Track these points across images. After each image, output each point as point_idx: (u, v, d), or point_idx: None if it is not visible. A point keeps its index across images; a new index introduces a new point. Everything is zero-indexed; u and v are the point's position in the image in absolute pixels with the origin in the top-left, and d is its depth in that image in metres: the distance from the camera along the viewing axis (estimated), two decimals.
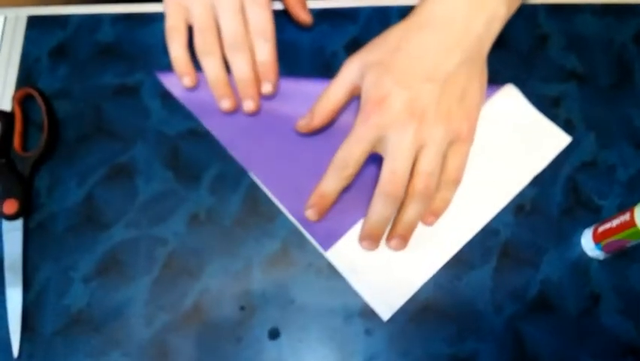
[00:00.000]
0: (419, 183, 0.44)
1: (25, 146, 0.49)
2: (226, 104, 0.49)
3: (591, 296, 0.46)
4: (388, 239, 0.46)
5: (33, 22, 0.54)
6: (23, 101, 0.50)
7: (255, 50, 0.49)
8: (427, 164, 0.43)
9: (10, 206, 0.46)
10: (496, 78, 0.51)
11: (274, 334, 0.44)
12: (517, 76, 0.52)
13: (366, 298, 0.45)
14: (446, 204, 0.47)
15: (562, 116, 0.51)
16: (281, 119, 0.50)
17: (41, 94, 0.49)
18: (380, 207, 0.44)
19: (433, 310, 0.45)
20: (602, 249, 0.45)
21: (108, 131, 0.50)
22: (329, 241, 0.46)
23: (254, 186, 0.48)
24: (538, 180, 0.49)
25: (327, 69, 0.53)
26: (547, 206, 0.48)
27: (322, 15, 0.55)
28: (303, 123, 0.48)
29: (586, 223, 0.47)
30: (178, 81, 0.51)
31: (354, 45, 0.53)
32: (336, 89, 0.47)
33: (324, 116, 0.47)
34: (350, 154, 0.44)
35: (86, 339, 0.44)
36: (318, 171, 0.46)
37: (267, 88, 0.49)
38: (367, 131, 0.43)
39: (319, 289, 0.46)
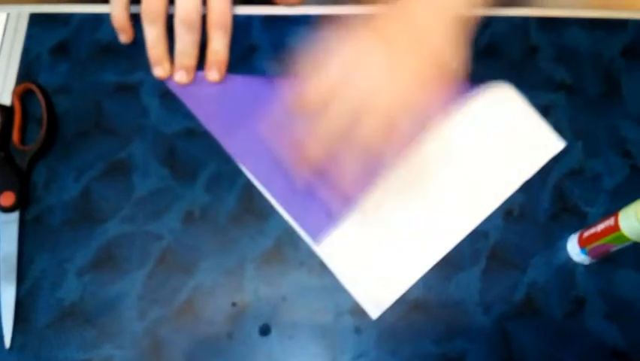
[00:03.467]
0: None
1: (23, 140, 0.50)
2: (159, 71, 0.52)
3: (576, 300, 0.47)
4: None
5: (35, 19, 0.55)
6: (23, 96, 0.51)
7: (211, 38, 0.51)
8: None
9: (7, 198, 0.46)
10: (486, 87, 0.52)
11: (265, 330, 0.45)
12: (507, 85, 0.54)
13: (356, 295, 0.46)
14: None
15: (551, 125, 0.52)
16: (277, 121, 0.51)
17: (41, 89, 0.50)
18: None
19: (422, 310, 0.46)
20: (587, 253, 0.46)
21: (106, 128, 0.51)
22: (319, 234, 0.47)
23: (249, 186, 0.49)
24: (527, 186, 0.50)
25: None
26: (535, 211, 0.49)
27: (323, 21, 0.56)
28: None
29: (572, 229, 0.48)
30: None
31: None
32: None
33: None
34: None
35: (79, 332, 0.44)
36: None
37: (214, 75, 0.52)
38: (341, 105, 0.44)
39: (310, 287, 0.46)
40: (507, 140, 0.51)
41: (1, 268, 0.45)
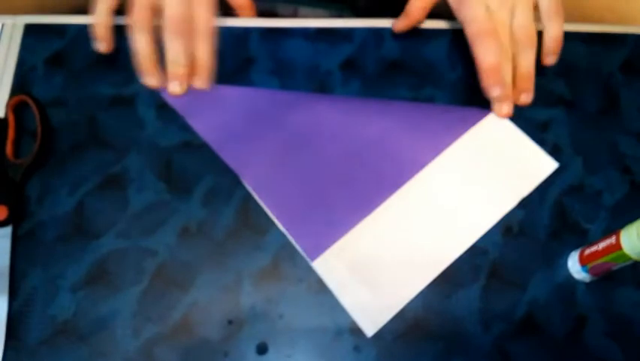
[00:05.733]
0: (519, 34, 0.51)
1: (17, 153, 0.49)
2: (151, 80, 0.51)
3: (577, 318, 0.46)
4: (518, 96, 0.52)
5: (30, 30, 0.54)
6: (17, 108, 0.50)
7: (197, 46, 0.51)
8: (522, 18, 0.51)
9: (0, 213, 0.46)
10: (486, 101, 0.52)
11: (262, 349, 0.44)
12: None
13: (352, 313, 0.45)
14: (560, 36, 0.53)
15: (550, 141, 0.52)
16: (277, 130, 0.50)
17: (36, 102, 0.49)
18: (494, 49, 0.50)
19: (421, 328, 0.45)
20: (588, 271, 0.45)
21: (102, 141, 0.50)
22: (316, 251, 0.47)
23: (246, 200, 0.49)
24: (526, 203, 0.49)
25: (321, 87, 0.53)
26: (535, 228, 0.49)
27: (319, 34, 0.56)
28: (400, 24, 0.55)
29: (572, 246, 0.48)
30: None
31: (349, 64, 0.54)
32: None
33: (417, 14, 0.54)
34: (482, 23, 0.50)
35: (72, 349, 0.43)
36: (311, 182, 0.48)
37: (200, 83, 0.51)
38: (478, 7, 0.51)
39: (309, 304, 0.46)
40: (501, 160, 0.51)
41: None
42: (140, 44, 0.50)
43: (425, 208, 0.49)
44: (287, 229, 0.47)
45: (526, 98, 0.52)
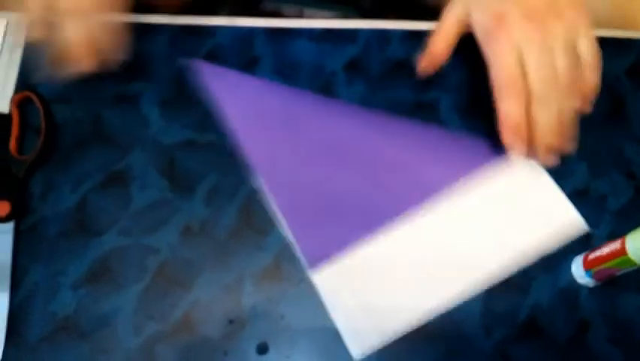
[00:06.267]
0: (564, 79, 0.46)
1: (21, 149, 0.49)
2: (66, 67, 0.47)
3: (580, 323, 0.46)
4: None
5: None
6: (22, 104, 0.50)
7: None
8: (563, 61, 0.46)
9: (2, 208, 0.46)
10: (490, 104, 0.52)
11: (262, 349, 0.44)
12: None
13: (341, 331, 0.44)
14: (593, 87, 0.48)
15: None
16: (304, 132, 0.50)
17: (40, 98, 0.49)
18: (542, 112, 0.46)
19: (422, 331, 0.45)
20: (592, 276, 0.45)
21: (105, 138, 0.50)
22: (316, 262, 0.46)
23: (249, 199, 0.48)
24: None
25: (326, 88, 0.53)
26: None
27: (323, 35, 0.56)
28: (425, 64, 0.52)
29: (576, 251, 0.48)
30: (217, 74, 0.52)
31: (353, 65, 0.54)
32: (445, 26, 0.50)
33: (440, 53, 0.51)
34: (512, 70, 0.46)
35: (73, 346, 0.43)
36: (325, 192, 0.48)
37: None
38: (508, 50, 0.46)
39: (310, 305, 0.45)
40: (525, 209, 0.49)
41: None
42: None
43: (434, 239, 0.47)
44: (292, 236, 0.47)
45: (549, 159, 0.48)
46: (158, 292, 0.45)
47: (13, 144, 0.48)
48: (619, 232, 0.43)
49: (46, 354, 0.43)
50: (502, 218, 0.48)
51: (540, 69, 0.45)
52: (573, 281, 0.47)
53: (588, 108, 0.49)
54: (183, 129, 0.51)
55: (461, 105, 0.53)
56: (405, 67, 0.55)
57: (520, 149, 0.47)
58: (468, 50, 0.53)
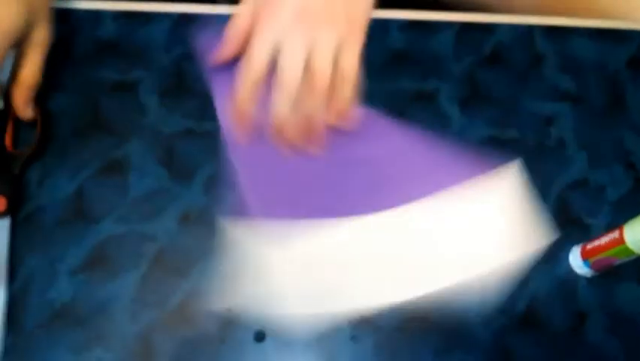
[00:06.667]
0: (313, 79, 0.46)
1: (16, 143, 0.49)
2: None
3: (578, 313, 0.46)
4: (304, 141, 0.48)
5: None
6: None
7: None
8: (319, 62, 0.46)
9: None
10: (491, 94, 0.52)
11: (260, 337, 0.44)
12: (511, 93, 0.53)
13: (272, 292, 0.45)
14: (347, 102, 0.48)
15: (554, 135, 0.52)
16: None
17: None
18: (281, 102, 0.46)
19: (420, 320, 0.45)
20: (590, 266, 0.45)
21: (103, 127, 0.50)
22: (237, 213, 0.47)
23: None
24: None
25: None
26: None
27: None
28: (215, 57, 0.50)
29: (575, 241, 0.48)
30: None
31: None
32: (239, 18, 0.48)
33: (232, 45, 0.49)
34: (256, 61, 0.46)
35: (69, 334, 0.43)
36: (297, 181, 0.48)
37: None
38: (266, 39, 0.46)
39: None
40: (494, 221, 0.48)
41: None
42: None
43: (399, 239, 0.47)
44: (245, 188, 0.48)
45: (312, 146, 0.48)
46: (156, 280, 0.45)
47: (8, 139, 0.48)
48: (617, 222, 0.43)
49: (43, 341, 0.43)
50: (467, 229, 0.47)
51: (290, 65, 0.46)
52: (571, 271, 0.47)
53: (343, 123, 0.48)
54: (182, 118, 0.51)
55: (461, 95, 0.53)
56: (404, 57, 0.55)
57: (242, 137, 0.48)
58: (468, 40, 0.53)
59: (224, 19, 0.49)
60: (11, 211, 0.46)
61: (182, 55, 0.53)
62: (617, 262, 0.43)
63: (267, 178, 0.48)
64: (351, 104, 0.48)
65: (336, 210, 0.48)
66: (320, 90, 0.46)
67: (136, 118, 0.50)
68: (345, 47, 0.47)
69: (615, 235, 0.41)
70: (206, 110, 0.51)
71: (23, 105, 0.47)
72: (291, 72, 0.46)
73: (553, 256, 0.47)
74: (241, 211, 0.47)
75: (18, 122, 0.49)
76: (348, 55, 0.47)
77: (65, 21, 0.54)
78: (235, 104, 0.48)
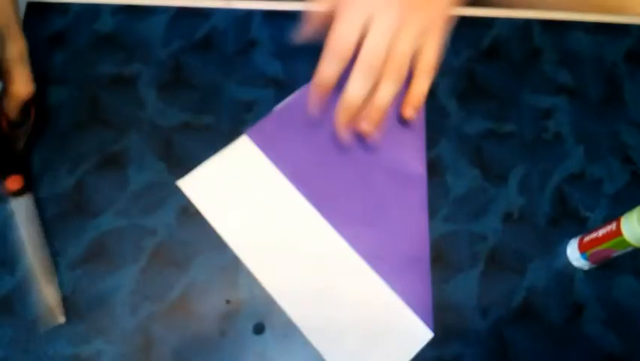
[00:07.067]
0: (394, 62, 0.45)
1: (13, 126, 0.48)
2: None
3: (575, 306, 0.46)
4: (361, 122, 0.47)
5: (33, 8, 0.54)
6: None
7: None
8: (403, 46, 0.45)
9: (15, 182, 0.45)
10: (489, 88, 0.52)
11: (259, 329, 0.44)
12: (509, 87, 0.53)
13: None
14: (422, 94, 0.47)
15: (552, 129, 0.52)
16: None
17: None
18: (359, 81, 0.45)
19: None
20: (587, 259, 0.45)
21: (102, 120, 0.50)
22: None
23: None
24: (527, 190, 0.49)
25: None
26: (535, 215, 0.49)
27: None
28: (300, 33, 0.49)
29: (572, 234, 0.48)
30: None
31: None
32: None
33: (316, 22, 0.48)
34: (344, 37, 0.44)
35: (69, 326, 0.43)
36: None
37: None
38: (356, 15, 0.44)
39: None
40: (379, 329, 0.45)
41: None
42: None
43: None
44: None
45: (368, 127, 0.47)
46: (155, 273, 0.45)
47: (4, 122, 0.48)
48: (614, 215, 0.43)
49: (43, 334, 0.43)
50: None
51: (377, 44, 0.44)
52: (568, 264, 0.47)
53: (413, 115, 0.48)
54: (180, 112, 0.51)
55: (459, 89, 0.53)
56: None
57: (315, 105, 0.47)
58: (465, 37, 0.53)
59: None
60: (28, 189, 0.46)
61: (180, 48, 0.53)
62: (614, 254, 0.43)
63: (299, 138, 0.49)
64: (425, 95, 0.48)
65: (325, 205, 0.48)
66: (395, 74, 0.45)
67: (134, 111, 0.51)
68: (429, 37, 0.46)
69: (612, 227, 0.42)
70: (204, 103, 0.51)
71: (17, 111, 0.46)
72: (375, 52, 0.44)
73: (551, 248, 0.48)
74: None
75: None
76: (431, 47, 0.46)
77: (64, 15, 0.54)
78: (317, 77, 0.46)
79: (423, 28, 0.45)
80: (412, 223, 0.48)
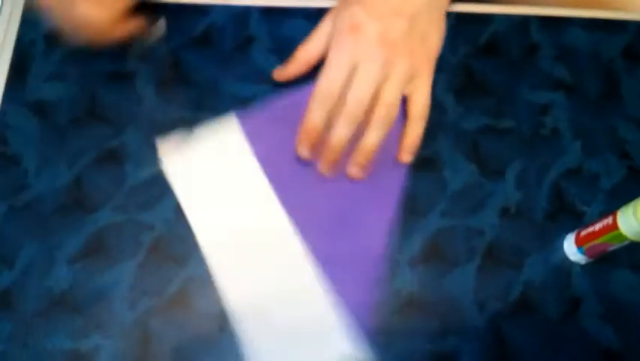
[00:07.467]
0: (381, 111, 0.46)
1: None
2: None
3: (572, 300, 0.46)
4: (349, 166, 0.48)
5: (31, 5, 0.54)
6: None
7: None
8: (390, 95, 0.46)
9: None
10: (486, 84, 0.52)
11: None
12: (507, 83, 0.53)
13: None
14: (418, 138, 0.48)
15: (549, 124, 0.52)
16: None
17: None
18: (344, 128, 0.46)
19: (416, 306, 0.45)
20: (584, 253, 0.45)
21: (100, 116, 0.50)
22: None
23: None
24: (524, 184, 0.50)
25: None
26: (532, 210, 0.49)
27: (319, 14, 0.55)
28: (279, 72, 0.50)
29: (569, 229, 0.48)
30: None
31: None
32: (314, 41, 0.49)
33: (300, 65, 0.49)
34: (332, 83, 0.45)
35: (68, 321, 0.44)
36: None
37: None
38: (345, 60, 0.45)
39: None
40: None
41: None
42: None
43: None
44: None
45: (357, 172, 0.47)
46: (153, 268, 0.45)
47: None
48: (611, 210, 0.43)
49: (41, 328, 0.43)
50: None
51: (361, 94, 0.45)
52: (565, 258, 0.47)
53: (408, 159, 0.49)
54: (178, 108, 0.51)
55: (456, 85, 0.53)
56: None
57: (303, 150, 0.47)
58: (463, 33, 0.53)
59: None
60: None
61: (179, 45, 0.53)
62: (611, 248, 0.43)
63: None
64: (420, 139, 0.48)
65: (292, 201, 0.48)
66: (383, 122, 0.46)
67: (132, 107, 0.51)
68: (418, 82, 0.47)
69: (609, 220, 0.42)
70: (202, 100, 0.51)
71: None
72: (358, 103, 0.45)
73: (548, 243, 0.48)
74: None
75: None
76: (421, 93, 0.48)
77: None
78: (305, 123, 0.47)
79: (410, 74, 0.46)
80: (374, 228, 0.48)
